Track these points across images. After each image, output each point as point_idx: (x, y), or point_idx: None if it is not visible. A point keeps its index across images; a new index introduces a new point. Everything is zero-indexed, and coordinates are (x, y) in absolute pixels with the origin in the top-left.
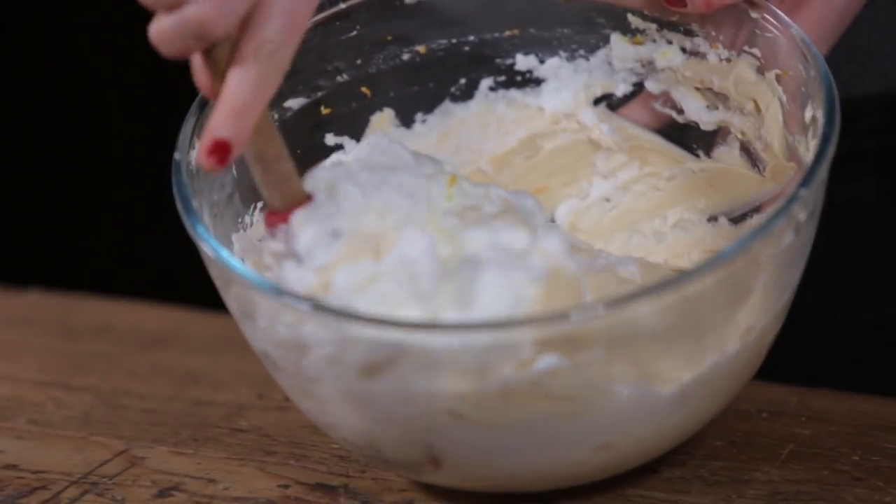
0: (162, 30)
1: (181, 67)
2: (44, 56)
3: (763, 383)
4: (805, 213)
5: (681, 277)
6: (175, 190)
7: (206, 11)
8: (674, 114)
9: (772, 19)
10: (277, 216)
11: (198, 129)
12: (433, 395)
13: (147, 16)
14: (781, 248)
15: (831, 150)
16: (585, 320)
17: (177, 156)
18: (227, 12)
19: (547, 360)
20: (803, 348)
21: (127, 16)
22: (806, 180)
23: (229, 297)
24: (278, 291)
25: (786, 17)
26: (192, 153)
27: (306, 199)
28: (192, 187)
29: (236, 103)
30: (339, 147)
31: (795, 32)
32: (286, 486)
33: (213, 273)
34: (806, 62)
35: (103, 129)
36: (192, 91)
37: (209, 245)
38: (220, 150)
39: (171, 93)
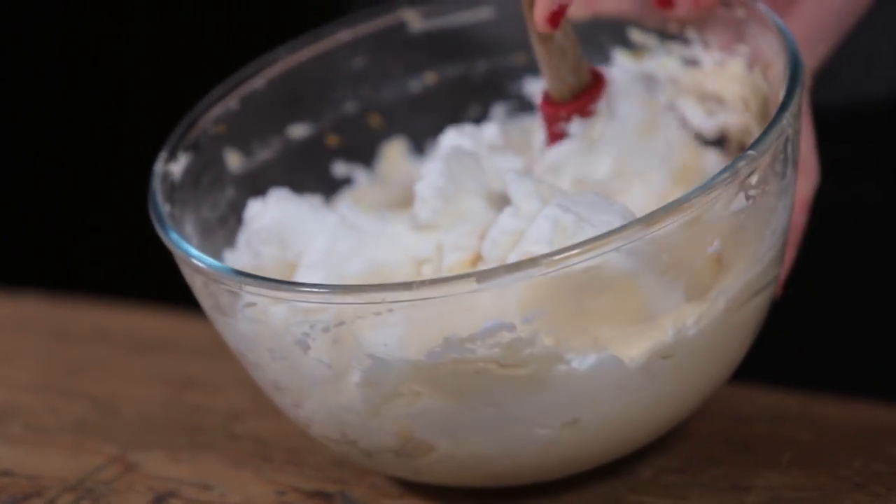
0: None
1: (180, 73)
2: (41, 61)
3: (764, 389)
4: (756, 178)
5: (620, 227)
6: (148, 194)
7: None
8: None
9: (754, 14)
10: (558, 107)
11: (183, 142)
12: (388, 364)
13: (145, 20)
14: (731, 212)
15: (787, 117)
16: (523, 273)
17: (156, 166)
18: None
19: (491, 322)
20: (803, 353)
21: (126, 21)
22: (756, 143)
23: (199, 294)
24: (238, 274)
25: (767, 10)
26: (175, 165)
27: (593, 87)
28: (171, 197)
29: None
30: (348, 177)
31: (773, 22)
32: (283, 493)
33: (184, 271)
34: (780, 45)
35: (99, 133)
36: (190, 97)
37: (170, 236)
38: (557, 16)
39: (169, 98)
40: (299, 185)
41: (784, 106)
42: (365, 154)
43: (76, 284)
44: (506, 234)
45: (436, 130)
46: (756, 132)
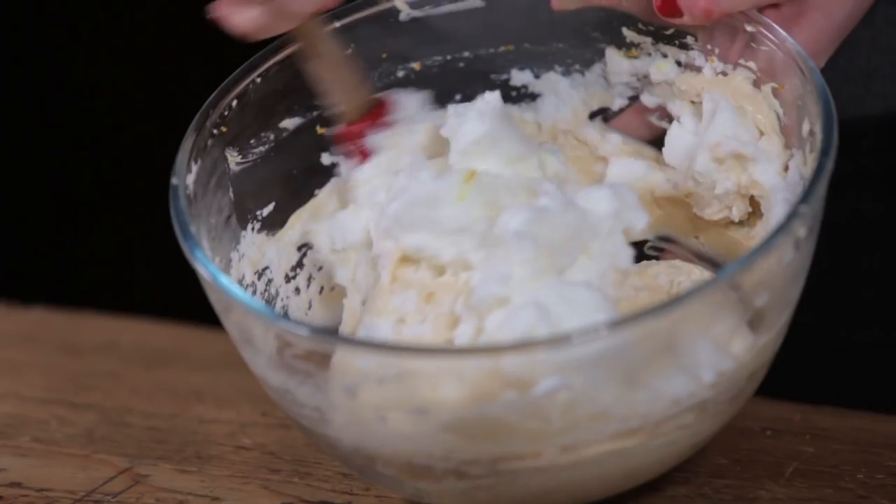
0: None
1: (185, 87)
2: (47, 77)
3: (767, 401)
4: (805, 229)
5: (682, 297)
6: (173, 216)
7: None
8: (668, 126)
9: (768, 33)
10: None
11: (194, 152)
12: (435, 419)
13: (145, 36)
14: (783, 265)
15: (830, 165)
16: (587, 342)
17: (174, 181)
18: None
19: (550, 383)
20: (807, 366)
21: (127, 44)
22: (806, 196)
23: (228, 322)
24: (277, 317)
25: (782, 31)
26: (189, 177)
27: (378, 108)
28: (189, 212)
29: None
30: (335, 166)
31: (792, 46)
32: None
33: (212, 297)
34: (803, 76)
35: (107, 147)
36: (193, 111)
37: (207, 270)
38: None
39: (174, 112)
40: (289, 176)
41: (825, 151)
42: None
43: (85, 297)
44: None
45: None
46: (765, 151)
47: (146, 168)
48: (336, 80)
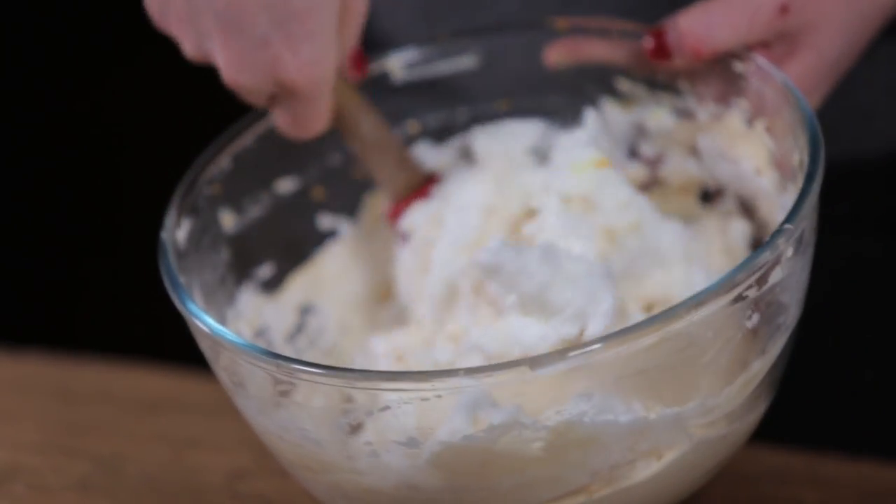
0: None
1: (181, 131)
2: (47, 121)
3: (769, 448)
4: (791, 249)
5: (666, 313)
6: (161, 269)
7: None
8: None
9: (756, 69)
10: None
11: (184, 209)
12: (424, 446)
13: (145, 89)
14: (769, 285)
15: (815, 187)
16: (580, 356)
17: (163, 235)
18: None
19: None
20: (808, 412)
21: (130, 92)
22: (790, 216)
23: (220, 369)
24: (269, 354)
25: (769, 65)
26: (179, 232)
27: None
28: (178, 266)
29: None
30: (333, 229)
31: (780, 78)
32: None
33: (203, 345)
34: (791, 108)
35: (102, 192)
36: (191, 155)
37: (195, 317)
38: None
39: (171, 157)
40: (287, 239)
41: (811, 176)
42: (348, 206)
43: (79, 344)
44: None
45: None
46: (766, 189)
47: (143, 215)
48: (380, 160)
